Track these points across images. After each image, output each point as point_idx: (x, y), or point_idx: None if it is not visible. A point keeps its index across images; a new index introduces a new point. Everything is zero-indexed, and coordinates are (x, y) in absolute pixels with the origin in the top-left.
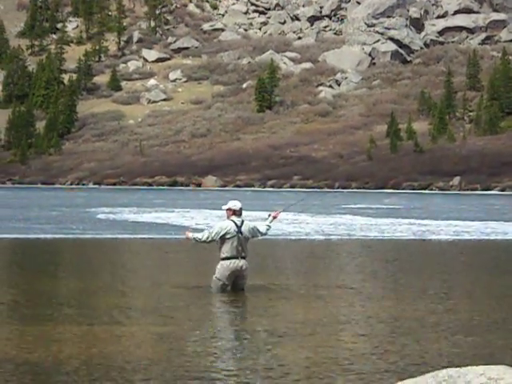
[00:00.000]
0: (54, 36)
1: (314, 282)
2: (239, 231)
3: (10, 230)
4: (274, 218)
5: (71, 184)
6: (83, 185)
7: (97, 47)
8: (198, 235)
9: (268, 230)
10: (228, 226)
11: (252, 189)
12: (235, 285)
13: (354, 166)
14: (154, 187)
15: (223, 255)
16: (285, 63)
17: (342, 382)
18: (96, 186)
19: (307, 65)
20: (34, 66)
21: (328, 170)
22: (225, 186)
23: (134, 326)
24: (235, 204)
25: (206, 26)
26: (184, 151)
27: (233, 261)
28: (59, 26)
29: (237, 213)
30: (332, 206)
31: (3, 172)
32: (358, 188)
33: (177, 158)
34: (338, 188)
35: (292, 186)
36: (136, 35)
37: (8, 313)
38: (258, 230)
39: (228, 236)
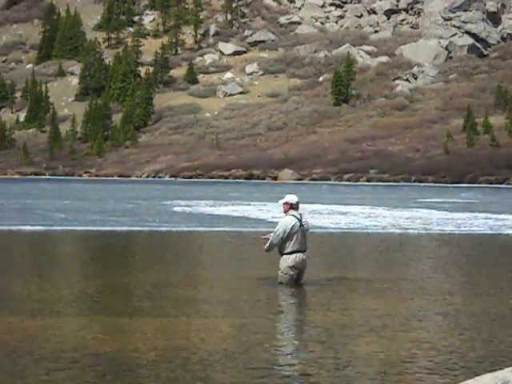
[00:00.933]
0: (131, 29)
1: (388, 276)
2: (301, 224)
3: (87, 223)
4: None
5: (148, 176)
6: (159, 178)
7: (173, 40)
8: (267, 245)
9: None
10: (292, 221)
11: (328, 182)
12: (296, 278)
13: (431, 159)
14: (230, 180)
15: (288, 250)
16: (361, 57)
17: (418, 377)
18: (172, 178)
19: (384, 58)
20: (110, 58)
21: (404, 163)
22: (301, 180)
23: (211, 318)
24: (292, 198)
25: (282, 20)
26: (260, 144)
27: (297, 254)
28: (136, 18)
29: (294, 206)
30: (408, 199)
31: (80, 165)
32: (434, 182)
33: (253, 151)
34: (414, 182)
35: (368, 180)
36: (213, 28)
37: (86, 305)
38: (310, 225)
39: (293, 231)
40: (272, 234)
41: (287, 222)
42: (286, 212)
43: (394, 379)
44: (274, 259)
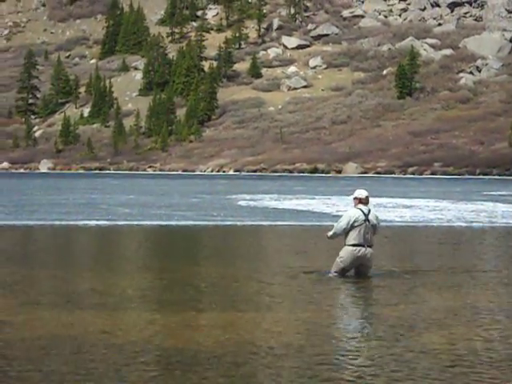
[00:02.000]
0: (194, 23)
1: (453, 269)
2: (367, 219)
3: (152, 217)
4: None
5: (212, 171)
6: (223, 172)
7: (237, 34)
8: (330, 232)
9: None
10: (356, 214)
11: (392, 176)
12: (359, 272)
13: (495, 152)
14: (295, 174)
15: (350, 242)
16: (425, 50)
17: (484, 374)
18: (236, 172)
19: (447, 51)
20: (174, 53)
21: (469, 156)
22: (365, 173)
23: (276, 312)
24: (361, 193)
25: (345, 13)
26: (324, 138)
27: (359, 248)
28: (199, 13)
29: (363, 201)
30: (473, 192)
31: (144, 159)
32: (498, 175)
33: (317, 145)
34: (478, 175)
35: (433, 173)
36: (276, 22)
37: (151, 299)
38: (380, 220)
39: (356, 224)
40: (335, 224)
41: (351, 214)
42: (355, 206)
43: (459, 373)
44: (337, 253)
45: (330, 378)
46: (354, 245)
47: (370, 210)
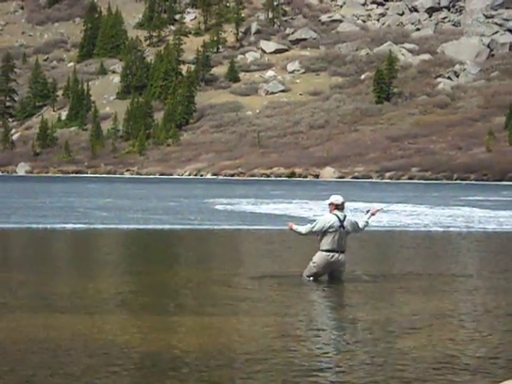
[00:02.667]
0: (172, 27)
1: (430, 273)
2: (341, 225)
3: (129, 221)
4: (373, 214)
5: (189, 175)
6: (201, 176)
7: (215, 38)
8: (301, 228)
9: (366, 226)
10: (331, 219)
11: (370, 180)
12: (332, 276)
13: (473, 157)
14: (272, 178)
15: (324, 247)
16: (403, 54)
17: (467, 380)
18: (214, 176)
19: (425, 56)
20: (152, 56)
21: (446, 161)
22: (342, 178)
23: (251, 316)
24: (337, 198)
25: (324, 17)
26: (302, 142)
27: (332, 254)
28: (177, 17)
29: (339, 207)
30: (450, 197)
31: (121, 163)
32: (476, 180)
33: (295, 150)
34: (456, 180)
35: (410, 178)
36: (254, 26)
37: (128, 303)
38: (358, 225)
39: (331, 230)
40: (308, 225)
41: (326, 219)
42: (330, 212)
43: (436, 377)
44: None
45: (305, 382)
46: (327, 250)
47: (345, 216)
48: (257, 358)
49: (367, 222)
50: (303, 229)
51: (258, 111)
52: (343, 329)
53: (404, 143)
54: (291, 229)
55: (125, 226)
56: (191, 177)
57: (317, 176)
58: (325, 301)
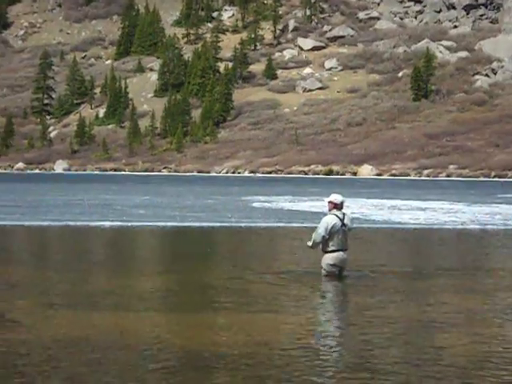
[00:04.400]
0: (210, 25)
1: (468, 271)
2: (343, 224)
3: (166, 218)
4: None
5: (227, 172)
6: (238, 173)
7: (252, 36)
8: (310, 242)
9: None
10: (333, 220)
11: (407, 178)
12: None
13: (510, 155)
14: (310, 176)
15: (330, 248)
16: (440, 52)
17: (506, 378)
18: (251, 174)
19: (463, 53)
20: (189, 54)
21: (484, 159)
22: (380, 175)
23: (287, 314)
24: (336, 198)
25: (361, 15)
26: (339, 140)
27: (340, 253)
28: (215, 14)
29: (338, 206)
30: (488, 195)
31: (159, 160)
32: None
33: (332, 147)
34: (493, 177)
35: (448, 175)
36: (292, 24)
37: (166, 300)
38: (352, 219)
39: (334, 230)
40: (313, 234)
41: (328, 221)
42: (329, 211)
43: (475, 375)
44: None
45: (345, 377)
46: (333, 251)
47: (344, 214)
48: (294, 356)
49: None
50: (313, 240)
51: (295, 108)
52: (377, 326)
53: (442, 141)
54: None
55: (162, 224)
56: (229, 174)
57: (354, 173)
58: (358, 299)
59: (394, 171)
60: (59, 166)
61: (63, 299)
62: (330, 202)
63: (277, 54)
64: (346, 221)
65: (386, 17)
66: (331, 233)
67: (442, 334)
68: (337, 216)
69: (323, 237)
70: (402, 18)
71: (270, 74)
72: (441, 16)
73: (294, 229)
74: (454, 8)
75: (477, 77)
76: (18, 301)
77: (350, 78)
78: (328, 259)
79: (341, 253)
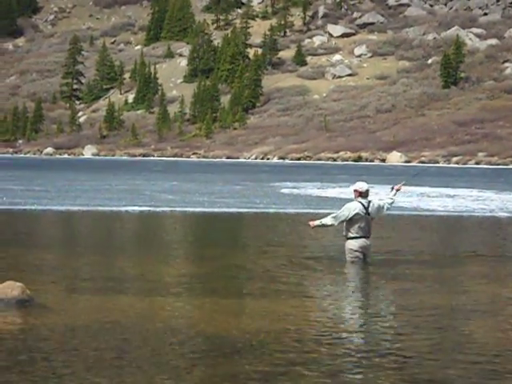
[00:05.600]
0: (240, 10)
1: (497, 258)
2: (367, 212)
3: (195, 204)
4: (398, 190)
5: (256, 158)
6: (267, 159)
7: (282, 22)
8: (327, 220)
9: (392, 204)
10: (356, 207)
11: (436, 165)
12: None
13: None
14: (339, 162)
15: (351, 235)
16: (470, 39)
17: None
18: (280, 160)
19: (493, 41)
20: (219, 40)
21: None
22: (409, 162)
23: (315, 300)
24: (362, 186)
25: (391, 2)
26: (369, 126)
27: (361, 240)
28: (244, 0)
29: (363, 194)
30: None
31: (188, 146)
32: None
33: (361, 134)
34: None
35: (477, 163)
36: (321, 10)
37: (193, 286)
38: (382, 207)
39: (357, 217)
40: (332, 215)
41: (351, 207)
42: (355, 198)
43: (506, 361)
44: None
45: (374, 364)
46: (355, 237)
47: (369, 202)
48: (321, 342)
49: (393, 200)
50: (329, 220)
51: (324, 95)
52: (405, 314)
53: (471, 128)
54: (314, 227)
55: (190, 209)
56: (257, 160)
57: (383, 160)
58: (385, 286)
59: (422, 158)
60: (88, 151)
61: (91, 284)
62: (355, 191)
63: (306, 41)
64: (370, 209)
65: (415, 3)
66: (354, 219)
67: (472, 320)
68: (361, 203)
69: (341, 221)
70: (431, 5)
71: (300, 60)
72: (471, 3)
73: (322, 215)
74: None
75: (506, 64)
76: (46, 285)
77: (379, 64)
78: (351, 245)
79: (363, 239)
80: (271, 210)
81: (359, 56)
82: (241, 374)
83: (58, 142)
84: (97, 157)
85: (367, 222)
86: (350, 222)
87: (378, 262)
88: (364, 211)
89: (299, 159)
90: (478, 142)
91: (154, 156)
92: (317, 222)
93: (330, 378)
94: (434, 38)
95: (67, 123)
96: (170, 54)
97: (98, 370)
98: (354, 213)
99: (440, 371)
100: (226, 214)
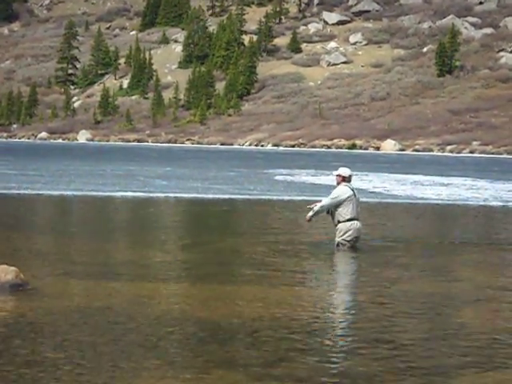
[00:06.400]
0: None
1: (489, 246)
2: (354, 194)
3: (189, 190)
4: None
5: (250, 145)
6: (262, 146)
7: (277, 9)
8: (319, 206)
9: None
10: (346, 190)
11: (431, 153)
12: (352, 245)
13: None
14: (333, 150)
15: (345, 217)
16: (466, 28)
17: None
18: (274, 147)
19: (488, 30)
20: (214, 26)
21: (508, 136)
22: (403, 150)
23: (309, 288)
24: (345, 171)
25: None
26: (363, 114)
27: (354, 222)
28: None
29: (346, 180)
30: (511, 172)
31: (182, 132)
32: None
33: (356, 121)
34: None
35: (471, 152)
36: None
37: (187, 272)
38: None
39: (348, 199)
40: (325, 199)
41: (344, 190)
42: (338, 184)
43: (498, 349)
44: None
45: (366, 354)
46: (348, 220)
47: (352, 187)
48: (315, 329)
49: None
50: (322, 204)
51: (319, 82)
52: (397, 301)
53: (465, 117)
54: (309, 219)
55: (184, 195)
56: (252, 147)
57: (378, 148)
58: (377, 273)
59: (417, 146)
60: (82, 137)
61: (85, 268)
62: (338, 175)
63: (301, 28)
64: (355, 192)
65: None
66: (346, 202)
67: (465, 308)
68: (349, 187)
69: (334, 204)
70: None
71: (295, 47)
72: None
73: (315, 202)
74: None
75: (501, 53)
76: (40, 269)
77: (374, 52)
78: (344, 228)
79: (355, 222)
80: (265, 197)
81: (354, 44)
82: (235, 361)
83: (53, 126)
84: (91, 142)
85: (357, 203)
86: (341, 206)
87: (371, 248)
88: (352, 193)
89: (293, 146)
90: (472, 130)
91: (148, 142)
92: (310, 214)
93: (323, 365)
94: (430, 27)
95: (62, 108)
96: (165, 40)
97: (91, 354)
98: (346, 195)
99: (433, 359)
100: (219, 200)
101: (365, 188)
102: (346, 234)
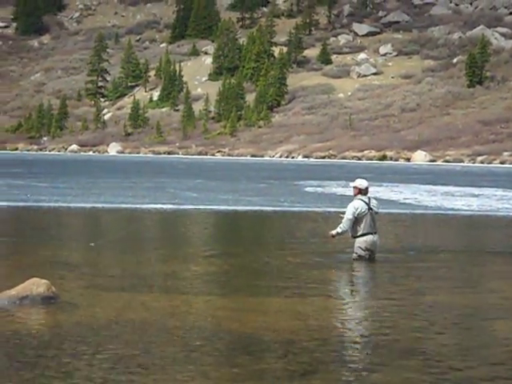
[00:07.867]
0: (265, 9)
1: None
2: (369, 207)
3: (219, 202)
4: None
5: (280, 156)
6: (292, 158)
7: (307, 20)
8: (339, 228)
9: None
10: (359, 205)
11: (461, 164)
12: (369, 258)
13: None
14: (363, 161)
15: (359, 233)
16: (496, 38)
17: None
18: (305, 159)
19: None
20: (244, 38)
21: None
22: (434, 161)
23: (339, 299)
24: (361, 183)
25: (416, 1)
26: (393, 125)
27: (369, 236)
28: None
29: (362, 192)
30: None
31: (213, 144)
32: None
33: (386, 132)
34: None
35: (502, 162)
36: (347, 9)
37: (219, 284)
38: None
39: (362, 214)
40: (344, 221)
41: (355, 205)
42: (355, 196)
43: None
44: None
45: (399, 365)
46: (363, 234)
47: (369, 199)
48: (347, 341)
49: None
50: (342, 225)
51: (349, 94)
52: (427, 312)
53: (496, 127)
54: (333, 236)
55: (215, 207)
56: (282, 159)
57: (408, 159)
58: (406, 284)
59: (447, 157)
60: (113, 149)
61: (116, 281)
62: (354, 187)
63: (331, 39)
64: (371, 204)
65: (441, 2)
66: (359, 217)
67: (495, 320)
68: (362, 200)
69: (350, 221)
70: (457, 4)
71: (325, 58)
72: (496, 2)
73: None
74: None
75: None
76: (72, 282)
77: (404, 63)
78: (359, 243)
79: (370, 236)
80: (295, 209)
81: (384, 55)
82: (267, 373)
83: (83, 139)
84: (121, 154)
85: (372, 217)
86: (356, 220)
87: (402, 259)
88: (367, 207)
89: (324, 158)
90: (503, 141)
91: (178, 154)
92: (334, 232)
93: (355, 377)
94: (460, 37)
95: (92, 120)
96: (195, 52)
97: (122, 367)
98: (358, 211)
99: (464, 371)
100: (250, 212)
101: (395, 199)
102: (361, 249)
